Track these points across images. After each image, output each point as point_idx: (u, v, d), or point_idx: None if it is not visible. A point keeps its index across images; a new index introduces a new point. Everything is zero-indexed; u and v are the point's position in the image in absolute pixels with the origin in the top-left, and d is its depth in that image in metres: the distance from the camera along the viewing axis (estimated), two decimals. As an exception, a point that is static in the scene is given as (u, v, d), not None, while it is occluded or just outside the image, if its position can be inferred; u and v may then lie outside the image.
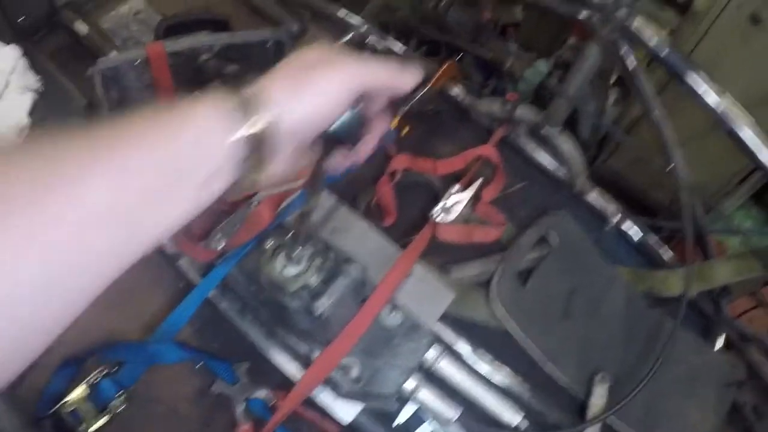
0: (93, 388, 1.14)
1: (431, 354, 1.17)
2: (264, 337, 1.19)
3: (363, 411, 1.17)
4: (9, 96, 1.43)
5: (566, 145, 1.56)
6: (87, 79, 1.35)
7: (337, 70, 0.67)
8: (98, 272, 0.51)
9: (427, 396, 1.14)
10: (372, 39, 1.78)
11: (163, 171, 0.54)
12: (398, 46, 1.80)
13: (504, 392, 1.24)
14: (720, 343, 1.55)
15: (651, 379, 1.18)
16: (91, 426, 1.11)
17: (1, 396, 1.07)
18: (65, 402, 1.12)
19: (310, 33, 1.71)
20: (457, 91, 1.72)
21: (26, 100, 1.42)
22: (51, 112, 1.44)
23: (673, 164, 1.38)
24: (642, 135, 2.35)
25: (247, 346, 1.20)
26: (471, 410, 1.20)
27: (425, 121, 1.64)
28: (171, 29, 1.50)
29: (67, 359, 1.17)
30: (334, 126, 0.70)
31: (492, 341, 1.30)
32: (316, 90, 0.66)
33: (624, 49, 1.36)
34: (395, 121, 1.51)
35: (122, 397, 1.14)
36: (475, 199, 1.45)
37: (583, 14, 1.35)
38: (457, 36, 2.38)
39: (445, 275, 1.35)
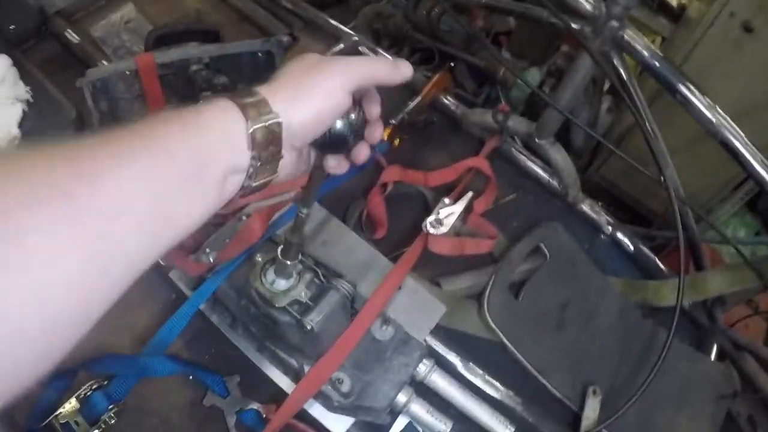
0: (84, 401, 1.13)
1: (423, 367, 1.17)
2: (255, 350, 1.19)
3: (355, 424, 1.16)
4: (-2, 106, 1.42)
5: (558, 156, 1.56)
6: (77, 89, 1.34)
7: (334, 70, 0.70)
8: (131, 263, 0.53)
9: (419, 409, 1.14)
10: (363, 48, 1.78)
11: (193, 159, 0.57)
12: (392, 56, 1.80)
13: (496, 405, 1.23)
14: (714, 353, 1.55)
15: (644, 391, 1.17)
16: (83, 439, 1.11)
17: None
18: (57, 415, 1.11)
19: (301, 42, 1.71)
20: (449, 101, 1.72)
21: (16, 111, 1.41)
22: (40, 122, 1.43)
23: (663, 175, 1.38)
24: (635, 143, 2.35)
25: (238, 358, 1.19)
26: (463, 423, 1.20)
27: (417, 132, 1.63)
28: (161, 39, 1.50)
29: (59, 372, 1.16)
30: (335, 129, 0.72)
31: (484, 354, 1.30)
32: (317, 90, 0.68)
33: (616, 60, 1.36)
34: (387, 133, 1.51)
35: (113, 411, 1.13)
36: (467, 210, 1.45)
37: (575, 26, 1.34)
38: (450, 44, 2.38)
39: (437, 288, 1.35)
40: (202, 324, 1.21)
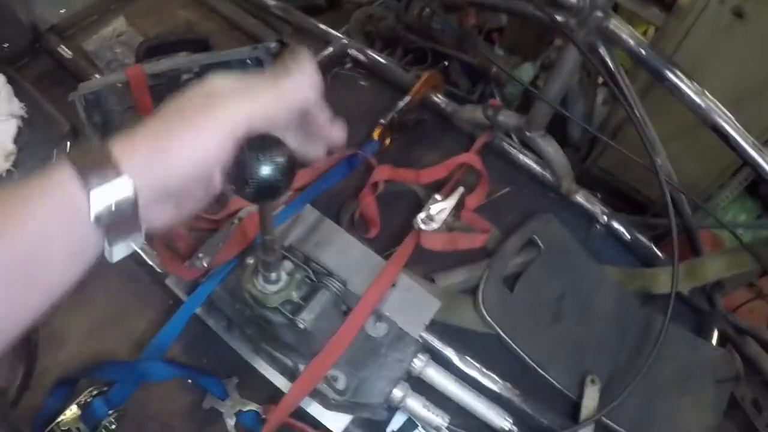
0: (85, 407, 1.14)
1: (418, 362, 1.17)
2: (251, 352, 1.20)
3: (354, 420, 1.17)
4: (-6, 123, 1.44)
5: (550, 148, 1.56)
6: (70, 104, 1.36)
7: (210, 118, 0.58)
8: None
9: (415, 404, 1.14)
10: (353, 51, 1.79)
11: (18, 258, 0.52)
12: (381, 57, 1.81)
13: (494, 397, 1.24)
14: (715, 338, 1.55)
15: (644, 379, 1.18)
16: (84, 446, 1.12)
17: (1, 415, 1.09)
18: (58, 422, 1.12)
19: (290, 47, 1.72)
20: (439, 99, 1.73)
21: (11, 127, 1.43)
22: (35, 138, 1.45)
23: (653, 161, 1.38)
24: (631, 133, 2.35)
25: (236, 360, 1.20)
26: (461, 417, 1.21)
27: (408, 131, 1.64)
28: (152, 50, 1.51)
29: (61, 380, 1.18)
30: (257, 176, 0.60)
31: (481, 347, 1.31)
32: (182, 145, 0.57)
33: (602, 50, 1.36)
34: (377, 132, 1.52)
35: (113, 416, 1.14)
36: (459, 206, 1.46)
37: (559, 18, 1.35)
38: (443, 43, 2.40)
39: (431, 284, 1.36)
40: (199, 328, 1.23)
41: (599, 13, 1.31)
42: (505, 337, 1.32)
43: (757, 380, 1.51)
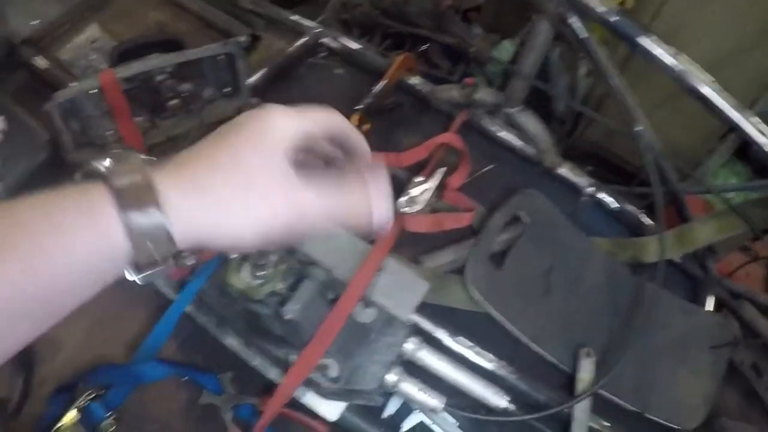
0: (83, 411, 1.15)
1: (410, 345, 1.17)
2: (243, 346, 1.20)
3: (349, 407, 1.17)
4: (-27, 139, 1.44)
5: (530, 122, 1.57)
6: (47, 113, 1.35)
7: (263, 134, 0.58)
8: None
9: (410, 388, 1.15)
10: (326, 40, 1.78)
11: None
12: (355, 43, 1.80)
13: (489, 376, 1.24)
14: (710, 303, 1.55)
15: (639, 347, 1.18)
16: (84, 449, 1.13)
17: (2, 425, 1.10)
18: (58, 428, 1.13)
19: (264, 41, 1.72)
20: (415, 81, 1.73)
21: (-9, 142, 1.43)
22: (15, 151, 1.44)
23: (636, 129, 1.38)
24: (614, 104, 2.36)
25: (229, 356, 1.21)
26: (457, 397, 1.21)
27: (386, 116, 1.64)
28: (125, 54, 1.51)
29: (59, 387, 1.18)
30: None
31: (473, 327, 1.31)
32: (255, 207, 0.56)
33: (572, 20, 1.36)
34: (355, 119, 1.52)
35: (111, 419, 1.15)
36: (443, 186, 1.45)
37: (529, -10, 1.35)
38: (420, 26, 2.39)
39: (419, 266, 1.36)
40: (192, 326, 1.23)
41: (567, -17, 1.31)
42: (495, 314, 1.32)
43: (756, 344, 1.51)
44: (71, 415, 1.14)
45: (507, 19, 2.65)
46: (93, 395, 1.16)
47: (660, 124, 1.54)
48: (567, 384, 1.32)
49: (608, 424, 1.28)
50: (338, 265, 1.21)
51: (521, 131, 1.61)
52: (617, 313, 1.42)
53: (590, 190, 1.62)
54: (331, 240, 1.30)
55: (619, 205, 1.63)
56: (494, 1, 2.68)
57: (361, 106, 1.55)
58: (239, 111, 1.47)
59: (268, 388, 1.17)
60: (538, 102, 2.79)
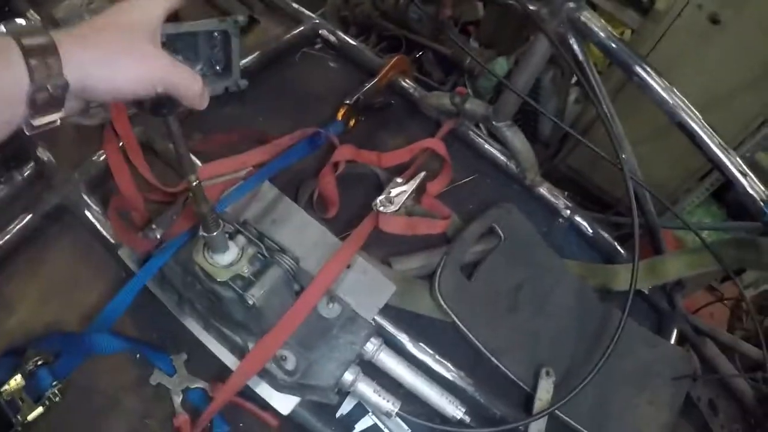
0: (29, 377, 1.12)
1: (370, 346, 1.16)
2: (201, 328, 1.18)
3: (303, 403, 1.16)
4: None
5: (516, 138, 1.56)
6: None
7: (146, 65, 0.69)
8: None
9: (366, 389, 1.13)
10: (324, 32, 1.77)
11: None
12: (351, 39, 1.79)
13: (447, 385, 1.23)
14: (674, 337, 1.55)
15: (600, 374, 1.17)
16: (27, 416, 1.09)
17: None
18: (2, 391, 1.10)
19: (261, 25, 1.70)
20: (407, 84, 1.72)
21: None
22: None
23: (621, 157, 1.38)
24: (600, 133, 2.37)
25: (186, 337, 1.18)
26: (413, 404, 1.20)
27: (374, 114, 1.63)
28: (119, 20, 1.48)
29: (7, 350, 1.15)
30: None
31: (436, 334, 1.30)
32: (127, 73, 0.67)
33: (572, 41, 1.35)
34: (341, 113, 1.51)
35: (58, 388, 1.12)
36: (421, 191, 1.44)
37: (531, 7, 1.34)
38: (418, 32, 2.39)
39: (388, 268, 1.34)
40: (151, 302, 1.20)
41: (571, 4, 1.30)
42: (460, 324, 1.31)
43: (714, 381, 1.52)
44: (17, 380, 1.11)
45: (504, 35, 2.66)
46: (41, 362, 1.13)
47: (643, 158, 1.55)
48: (525, 402, 1.32)
49: (561, 447, 1.27)
50: (307, 256, 1.19)
51: (506, 146, 1.60)
52: (582, 336, 1.42)
53: (567, 212, 1.63)
54: (302, 231, 1.28)
55: (594, 231, 1.63)
56: (494, 18, 2.68)
57: (349, 101, 1.53)
58: (227, 91, 1.46)
59: (222, 373, 1.15)
60: (525, 122, 2.82)
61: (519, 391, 1.33)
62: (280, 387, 1.12)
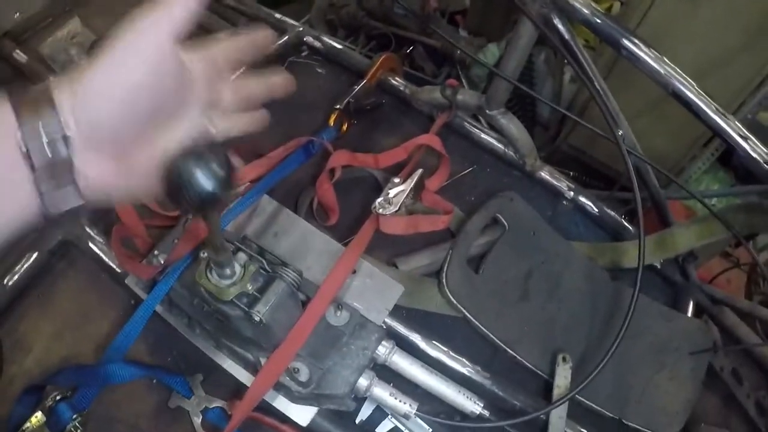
0: (49, 413, 1.13)
1: (383, 349, 1.16)
2: (213, 347, 1.18)
3: (321, 413, 1.16)
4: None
5: (512, 125, 1.55)
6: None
7: (143, 23, 0.60)
8: None
9: (381, 393, 1.13)
10: (309, 39, 1.77)
11: None
12: (337, 42, 1.79)
13: (464, 381, 1.23)
14: (690, 309, 1.54)
15: (618, 354, 1.16)
16: (50, 452, 1.11)
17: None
18: (24, 429, 1.11)
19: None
20: (397, 82, 1.72)
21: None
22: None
23: (617, 133, 1.37)
24: (598, 109, 2.37)
25: (199, 357, 1.19)
26: (431, 403, 1.20)
27: (366, 116, 1.63)
28: (104, 48, 1.49)
29: (28, 388, 1.16)
30: (196, 188, 0.59)
31: (448, 331, 1.30)
32: (123, 56, 0.58)
33: (557, 22, 1.34)
34: (333, 118, 1.50)
35: (78, 421, 1.13)
36: (420, 189, 1.44)
37: (513, -11, 1.33)
38: (405, 28, 2.39)
39: (394, 269, 1.34)
40: (162, 327, 1.21)
41: (553, -16, 1.29)
42: (471, 318, 1.31)
43: (736, 350, 1.51)
44: (37, 417, 1.12)
45: (493, 22, 2.65)
46: (60, 396, 1.14)
47: (644, 131, 1.54)
48: (544, 390, 1.32)
49: (585, 431, 1.27)
50: (311, 266, 1.19)
51: (502, 134, 1.60)
52: (596, 318, 1.41)
53: (571, 194, 1.62)
54: (305, 241, 1.28)
55: (599, 210, 1.62)
56: (480, 5, 2.68)
57: (339, 106, 1.53)
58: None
59: (238, 391, 1.15)
60: (523, 107, 2.82)
61: (537, 379, 1.32)
62: (296, 399, 1.12)
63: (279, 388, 1.12)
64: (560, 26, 1.34)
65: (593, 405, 1.30)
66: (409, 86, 1.71)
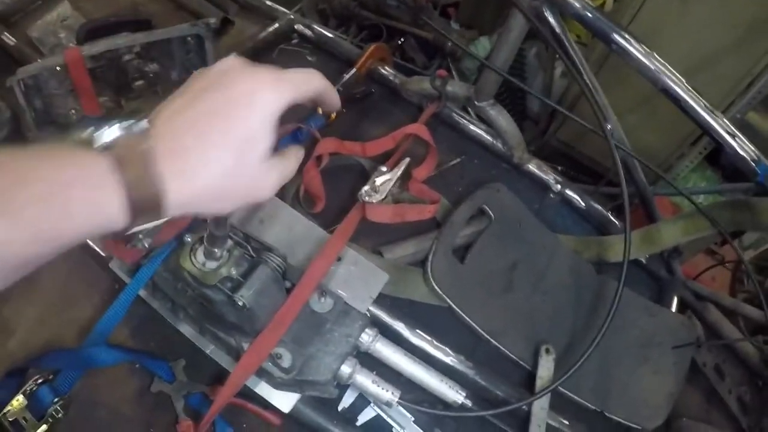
0: (31, 396, 1.12)
1: (366, 337, 1.15)
2: (197, 333, 1.17)
3: (304, 399, 1.15)
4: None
5: (501, 117, 1.55)
6: (10, 90, 1.33)
7: (256, 192, 0.64)
8: None
9: (364, 380, 1.13)
10: (299, 27, 1.77)
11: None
12: (328, 31, 1.79)
13: (447, 370, 1.23)
14: (675, 305, 1.55)
15: (602, 347, 1.16)
16: (32, 435, 1.10)
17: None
18: (5, 412, 1.10)
19: (236, 25, 1.69)
20: (387, 72, 1.72)
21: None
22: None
23: (605, 127, 1.37)
24: (588, 104, 2.38)
25: (182, 342, 1.18)
26: (414, 391, 1.20)
27: (355, 105, 1.63)
28: (93, 32, 1.48)
29: (10, 371, 1.15)
30: None
31: (432, 320, 1.30)
32: (231, 206, 0.63)
33: (548, 15, 1.34)
34: (321, 107, 1.50)
35: (59, 404, 1.12)
36: (407, 178, 1.44)
37: (505, -18, 1.34)
38: (397, 19, 2.38)
39: (379, 257, 1.34)
40: (145, 311, 1.20)
41: (545, -23, 1.29)
42: (456, 308, 1.31)
43: (719, 346, 1.51)
44: (19, 401, 1.11)
45: (485, 15, 2.65)
46: (41, 380, 1.14)
47: (633, 128, 1.55)
48: (527, 381, 1.32)
49: (567, 422, 1.27)
50: (296, 253, 1.19)
51: (491, 126, 1.60)
52: (581, 311, 1.42)
53: (558, 187, 1.62)
54: (291, 228, 1.28)
55: (586, 204, 1.63)
56: (473, -3, 2.68)
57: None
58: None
59: (221, 376, 1.15)
60: (513, 100, 2.83)
61: (520, 370, 1.33)
62: (278, 385, 1.12)
63: (261, 374, 1.11)
64: (552, 20, 1.35)
65: (576, 397, 1.30)
66: (399, 76, 1.70)
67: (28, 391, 1.12)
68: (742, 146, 1.32)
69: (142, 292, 1.18)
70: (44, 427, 1.10)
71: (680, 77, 1.30)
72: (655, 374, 1.39)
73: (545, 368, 1.30)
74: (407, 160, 1.42)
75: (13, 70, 1.32)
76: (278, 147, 0.68)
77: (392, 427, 1.22)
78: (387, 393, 1.13)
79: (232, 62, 0.64)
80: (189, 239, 1.01)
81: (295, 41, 1.79)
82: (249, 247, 1.04)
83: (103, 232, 0.55)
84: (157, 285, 1.16)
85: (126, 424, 1.16)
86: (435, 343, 1.25)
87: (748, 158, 1.32)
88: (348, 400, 1.21)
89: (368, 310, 1.23)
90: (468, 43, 2.48)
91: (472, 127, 1.66)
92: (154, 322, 1.21)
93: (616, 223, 1.61)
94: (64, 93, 1.38)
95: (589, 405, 1.31)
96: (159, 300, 1.20)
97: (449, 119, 1.67)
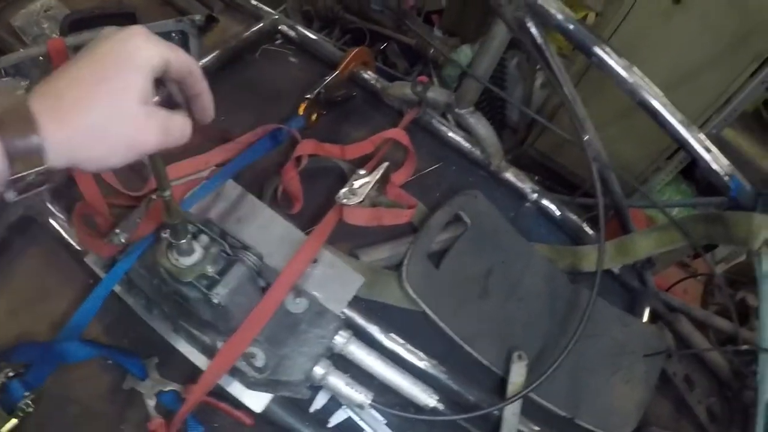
0: (1, 390, 1.11)
1: (340, 339, 1.16)
2: (171, 330, 1.17)
3: (276, 400, 1.15)
4: None
5: (480, 125, 1.56)
6: (-3, 80, 1.32)
7: (140, 138, 0.66)
8: None
9: (337, 382, 1.13)
10: (283, 27, 1.77)
11: None
12: (311, 33, 1.79)
13: (420, 374, 1.23)
14: (646, 315, 1.56)
15: (574, 354, 1.18)
16: (1, 428, 1.09)
17: None
18: (-26, 405, 1.10)
19: (221, 23, 1.69)
20: (369, 76, 1.72)
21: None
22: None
23: (582, 138, 1.39)
24: (567, 116, 2.40)
25: (156, 340, 1.18)
26: (386, 394, 1.20)
27: (336, 108, 1.63)
28: (77, 23, 1.48)
29: (-21, 363, 1.15)
30: None
31: (406, 324, 1.30)
32: (115, 153, 0.65)
33: (531, 25, 1.36)
34: (302, 107, 1.50)
35: (30, 399, 1.11)
36: (385, 182, 1.45)
37: (489, -9, 1.34)
38: (381, 24, 2.39)
39: (355, 260, 1.35)
40: (119, 307, 1.20)
41: (528, -12, 1.30)
42: (430, 313, 1.32)
43: (689, 357, 1.53)
44: (-12, 394, 1.11)
45: (468, 23, 2.66)
46: (12, 373, 1.13)
47: (611, 140, 1.56)
48: (499, 386, 1.33)
49: (538, 429, 1.28)
50: (272, 253, 1.19)
51: (470, 133, 1.61)
52: (554, 319, 1.43)
53: (534, 196, 1.64)
54: (267, 228, 1.28)
55: (561, 213, 1.64)
56: (457, 6, 2.68)
57: (310, 96, 1.52)
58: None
59: (193, 375, 1.14)
60: (493, 109, 2.84)
61: (492, 376, 1.34)
62: (251, 384, 1.12)
63: (234, 373, 1.11)
64: (534, 30, 1.36)
65: (547, 403, 1.31)
66: (381, 81, 1.71)
67: (-1, 384, 1.11)
68: (716, 161, 1.34)
69: (117, 288, 1.18)
70: (14, 421, 1.09)
71: (658, 91, 1.32)
72: (626, 383, 1.40)
73: (517, 374, 1.31)
74: (386, 164, 1.43)
75: (-6, 60, 1.31)
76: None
77: (364, 429, 1.22)
78: (359, 395, 1.14)
79: (111, 29, 0.67)
80: (166, 235, 1.01)
81: (278, 42, 1.79)
82: (226, 245, 1.04)
83: None
84: (132, 281, 1.16)
85: (97, 421, 1.16)
86: (408, 346, 1.26)
87: (722, 173, 1.34)
88: (320, 401, 1.21)
89: (343, 312, 1.23)
90: (450, 51, 2.49)
91: (451, 133, 1.67)
92: (129, 319, 1.20)
93: (591, 233, 1.63)
94: (47, 84, 1.37)
95: (559, 411, 1.32)
96: (134, 296, 1.19)
97: (429, 125, 1.67)
